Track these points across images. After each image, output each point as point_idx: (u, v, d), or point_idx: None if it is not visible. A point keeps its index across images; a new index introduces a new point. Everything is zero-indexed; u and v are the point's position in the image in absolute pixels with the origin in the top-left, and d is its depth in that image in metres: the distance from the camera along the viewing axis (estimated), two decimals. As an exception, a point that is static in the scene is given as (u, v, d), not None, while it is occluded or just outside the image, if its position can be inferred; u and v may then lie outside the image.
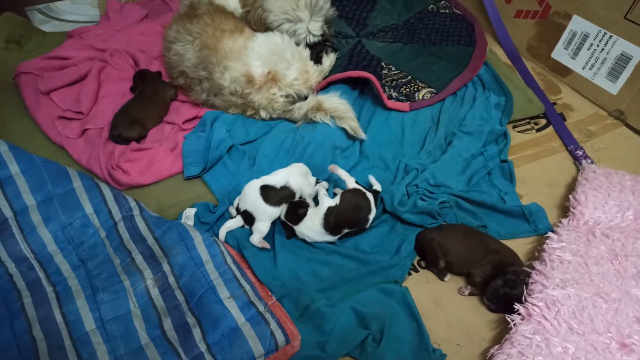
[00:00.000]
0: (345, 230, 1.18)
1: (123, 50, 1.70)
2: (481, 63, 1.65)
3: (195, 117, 1.47)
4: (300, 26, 1.51)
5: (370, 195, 1.20)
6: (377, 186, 1.27)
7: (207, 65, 1.41)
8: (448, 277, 1.16)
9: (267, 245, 1.17)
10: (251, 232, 1.20)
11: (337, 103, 1.41)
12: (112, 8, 1.99)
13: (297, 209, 1.17)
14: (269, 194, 1.19)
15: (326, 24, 1.59)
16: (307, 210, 1.18)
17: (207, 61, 1.41)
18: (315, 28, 1.53)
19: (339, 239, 1.19)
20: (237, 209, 1.22)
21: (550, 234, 1.14)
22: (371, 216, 1.19)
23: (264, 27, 1.52)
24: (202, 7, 1.52)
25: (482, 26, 1.83)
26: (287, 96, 1.45)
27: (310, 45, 1.56)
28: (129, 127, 1.39)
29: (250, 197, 1.19)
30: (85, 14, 2.11)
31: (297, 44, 1.52)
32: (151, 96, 1.47)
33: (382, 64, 1.67)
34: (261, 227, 1.19)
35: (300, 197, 1.25)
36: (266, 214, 1.19)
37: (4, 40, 1.73)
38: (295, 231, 1.17)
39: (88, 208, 1.15)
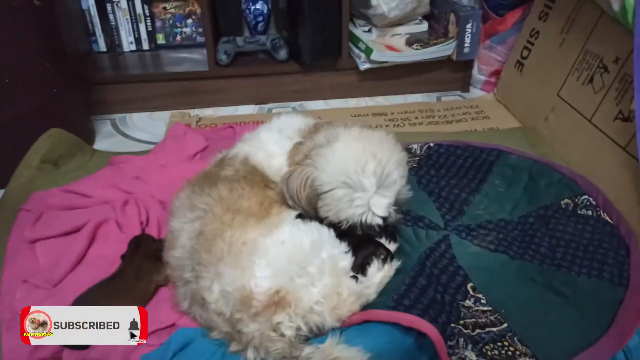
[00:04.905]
0: None
1: (148, 197, 1.39)
2: (635, 328, 1.00)
3: (172, 326, 1.05)
4: (359, 196, 1.03)
5: None
6: None
7: (194, 266, 1.00)
8: None
9: None
10: None
11: (365, 365, 0.88)
12: (173, 134, 1.76)
13: None
14: None
15: (396, 205, 1.10)
16: None
17: (197, 257, 1.00)
18: (379, 205, 1.03)
19: None
20: None
21: None
22: None
23: (306, 192, 1.07)
24: (229, 167, 1.14)
25: (646, 251, 1.17)
26: (297, 329, 0.96)
27: (356, 248, 1.07)
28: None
29: None
30: (153, 133, 1.94)
31: (348, 228, 1.05)
32: (128, 283, 1.09)
33: (469, 286, 1.12)
34: None
35: None
36: None
37: (39, 159, 1.55)
38: None
39: None
